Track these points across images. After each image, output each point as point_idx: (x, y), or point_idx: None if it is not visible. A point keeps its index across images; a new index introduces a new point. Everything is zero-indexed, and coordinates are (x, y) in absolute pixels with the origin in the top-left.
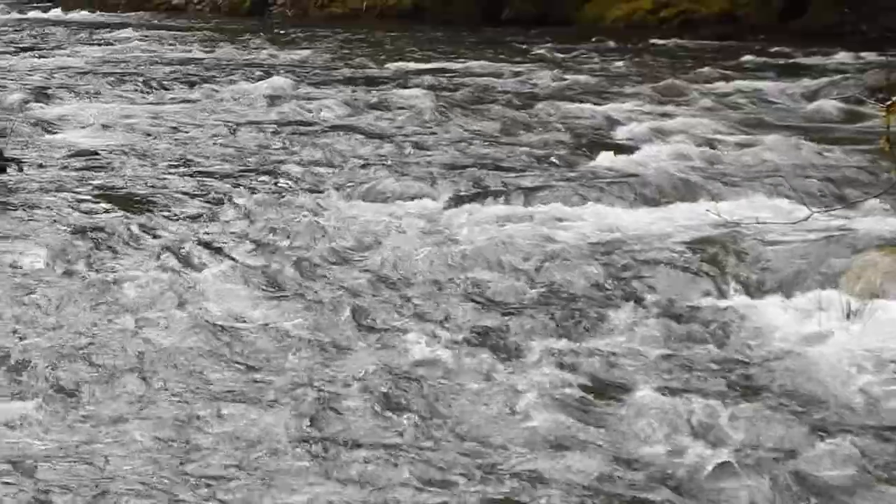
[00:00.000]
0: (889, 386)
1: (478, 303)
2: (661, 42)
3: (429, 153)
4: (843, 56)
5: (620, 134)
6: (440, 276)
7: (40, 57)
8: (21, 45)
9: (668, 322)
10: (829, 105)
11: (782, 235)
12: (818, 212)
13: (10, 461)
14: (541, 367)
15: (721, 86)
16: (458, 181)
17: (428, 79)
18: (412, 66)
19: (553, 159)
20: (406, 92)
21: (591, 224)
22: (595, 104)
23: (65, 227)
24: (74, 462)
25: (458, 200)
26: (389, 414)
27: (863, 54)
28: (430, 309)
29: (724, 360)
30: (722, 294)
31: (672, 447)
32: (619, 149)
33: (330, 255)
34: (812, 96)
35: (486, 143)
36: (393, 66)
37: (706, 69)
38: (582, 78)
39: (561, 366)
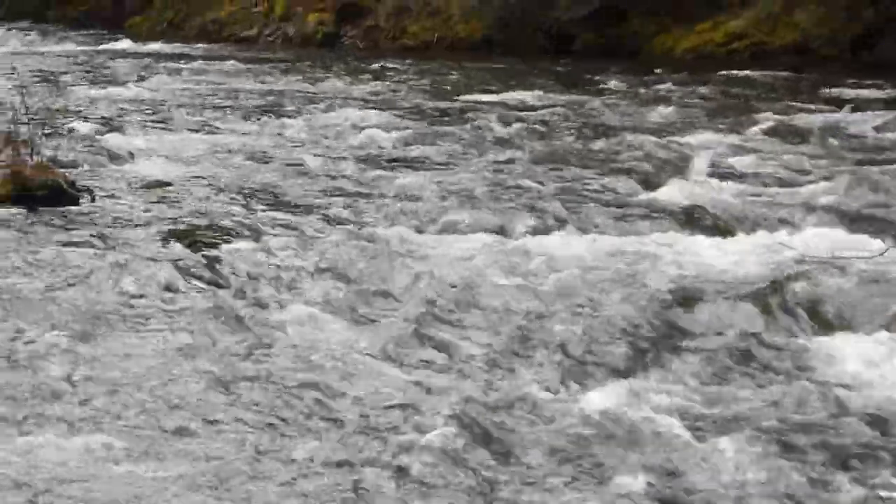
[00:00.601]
0: None
1: (549, 335)
2: (731, 74)
3: (500, 185)
4: None
5: (691, 165)
6: (514, 309)
7: (113, 88)
8: (94, 77)
9: (740, 357)
10: None
11: (858, 269)
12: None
13: None
14: (612, 399)
15: (792, 117)
16: (530, 213)
17: (499, 111)
18: (483, 97)
19: (623, 190)
20: (477, 124)
21: (663, 256)
22: (665, 135)
23: (136, 257)
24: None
25: (530, 232)
26: (479, 448)
27: None
28: (508, 342)
29: (799, 401)
30: (795, 329)
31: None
32: (691, 180)
33: (405, 288)
34: (884, 128)
35: (557, 175)
36: (464, 97)
37: (777, 101)
38: (652, 109)
39: (633, 400)
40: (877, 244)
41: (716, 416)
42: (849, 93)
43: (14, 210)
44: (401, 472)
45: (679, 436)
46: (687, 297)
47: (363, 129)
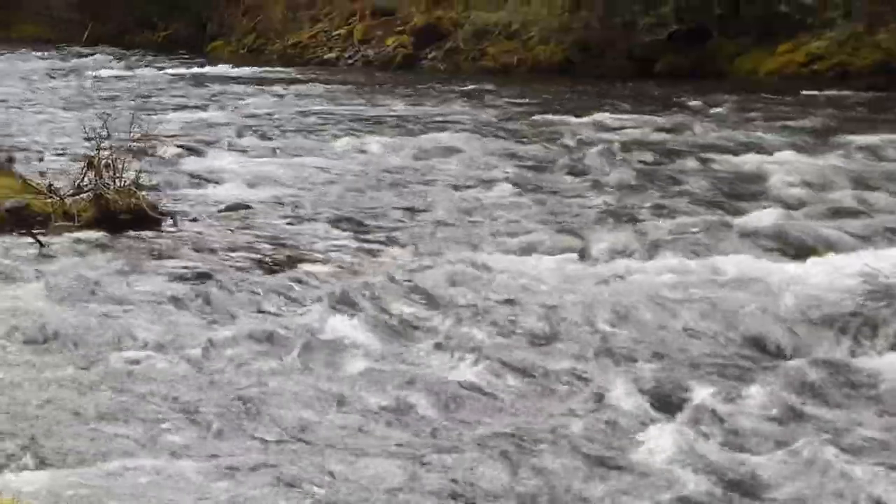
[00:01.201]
0: None
1: (627, 357)
2: (814, 94)
3: (581, 205)
4: None
5: (775, 185)
6: (598, 330)
7: (194, 112)
8: (175, 101)
9: (827, 379)
10: None
11: None
12: None
13: None
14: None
15: (877, 138)
16: (611, 234)
17: (579, 132)
18: (563, 119)
19: (706, 212)
20: (556, 144)
21: (746, 277)
22: (747, 155)
23: (218, 282)
24: None
25: (613, 253)
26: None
27: None
28: (590, 364)
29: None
30: (880, 351)
31: None
32: (774, 200)
33: (486, 308)
34: None
35: (638, 196)
36: (544, 118)
37: (861, 121)
38: (734, 130)
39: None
40: None
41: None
42: None
43: (98, 234)
44: None
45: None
46: (766, 318)
47: (443, 150)
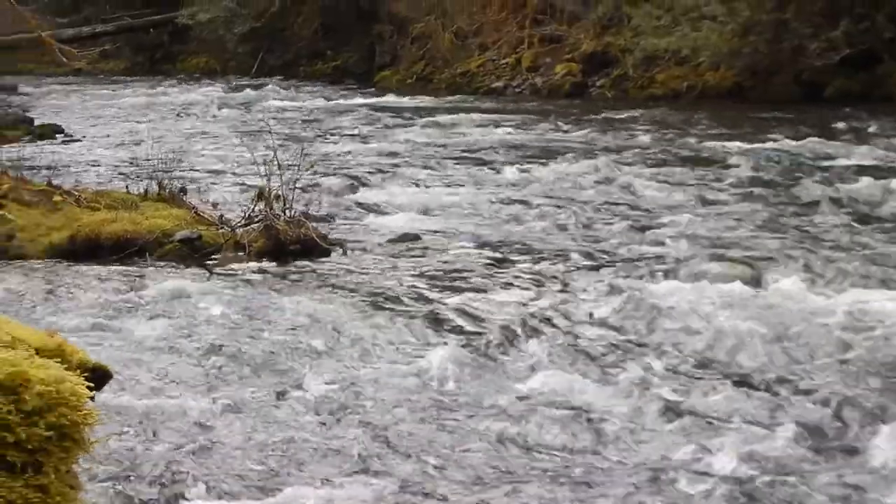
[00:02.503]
0: None
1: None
2: None
3: (745, 232)
4: None
5: None
6: (773, 361)
7: (363, 142)
8: (344, 131)
9: None
10: None
11: None
12: None
13: None
14: None
15: None
16: (781, 262)
17: (747, 158)
18: (729, 144)
19: (876, 243)
20: (721, 170)
21: None
22: None
23: (386, 310)
24: None
25: (783, 282)
26: None
27: None
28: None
29: None
30: None
31: None
32: None
33: (651, 335)
34: None
35: (807, 223)
36: (711, 144)
37: None
38: None
39: None
40: None
41: None
42: None
43: (268, 263)
44: None
45: None
46: None
47: (612, 178)
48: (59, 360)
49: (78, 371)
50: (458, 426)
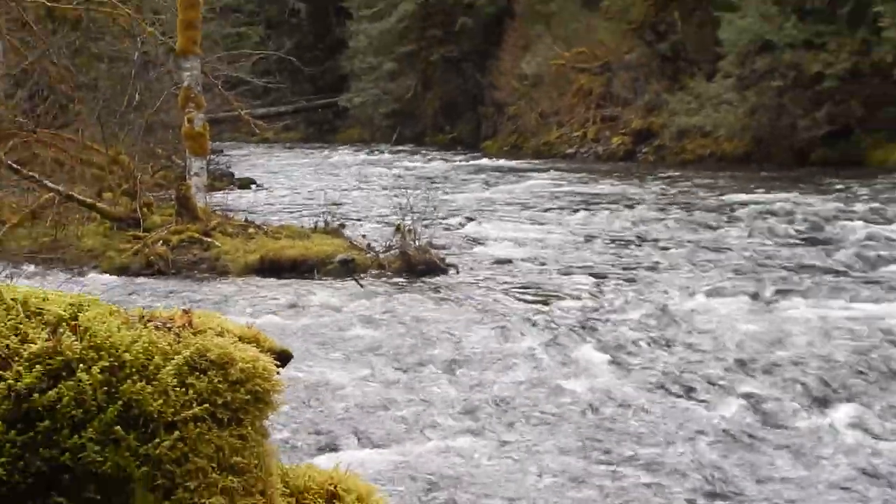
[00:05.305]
0: None
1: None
2: None
3: (753, 262)
4: None
5: None
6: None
7: (472, 192)
8: (458, 183)
9: None
10: None
11: None
12: None
13: None
14: None
15: None
16: (774, 284)
17: (753, 207)
18: (739, 196)
19: (851, 269)
20: (734, 213)
21: None
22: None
23: (490, 312)
24: None
25: (778, 300)
26: None
27: None
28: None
29: None
30: None
31: None
32: None
33: (687, 343)
34: None
35: (794, 254)
36: (726, 196)
37: None
38: (872, 206)
39: None
40: None
41: None
42: None
43: (402, 280)
44: None
45: None
46: None
47: (651, 219)
48: (255, 344)
49: (268, 353)
50: (551, 392)
